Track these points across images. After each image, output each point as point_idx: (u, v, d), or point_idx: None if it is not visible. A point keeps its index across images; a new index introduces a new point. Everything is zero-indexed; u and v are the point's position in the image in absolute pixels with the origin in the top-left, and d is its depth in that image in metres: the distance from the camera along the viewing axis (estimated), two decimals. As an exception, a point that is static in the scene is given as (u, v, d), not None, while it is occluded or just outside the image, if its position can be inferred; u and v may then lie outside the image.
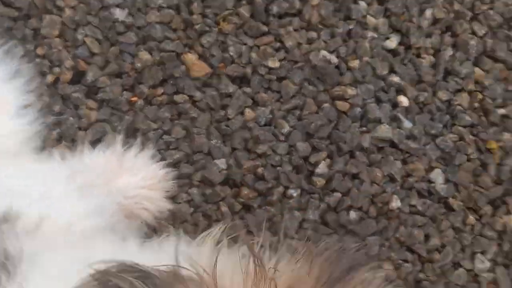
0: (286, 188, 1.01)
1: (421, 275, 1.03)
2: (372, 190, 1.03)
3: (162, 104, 0.98)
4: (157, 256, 0.50)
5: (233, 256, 0.44)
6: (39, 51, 0.99)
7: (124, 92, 1.00)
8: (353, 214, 1.02)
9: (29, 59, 0.96)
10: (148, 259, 0.44)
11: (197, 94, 1.01)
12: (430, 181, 1.06)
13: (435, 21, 1.14)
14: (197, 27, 1.06)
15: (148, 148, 0.91)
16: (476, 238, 1.05)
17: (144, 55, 1.02)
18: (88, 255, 0.50)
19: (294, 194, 1.00)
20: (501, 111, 1.11)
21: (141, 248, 0.66)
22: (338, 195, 1.02)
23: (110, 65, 1.01)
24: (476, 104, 1.11)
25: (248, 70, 1.04)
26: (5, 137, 0.81)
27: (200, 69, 1.03)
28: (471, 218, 1.06)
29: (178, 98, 0.99)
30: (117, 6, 1.04)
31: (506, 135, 1.09)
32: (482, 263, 1.05)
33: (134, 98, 0.99)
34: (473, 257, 1.05)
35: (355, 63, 1.07)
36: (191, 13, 1.07)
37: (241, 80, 1.03)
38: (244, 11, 1.08)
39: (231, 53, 1.06)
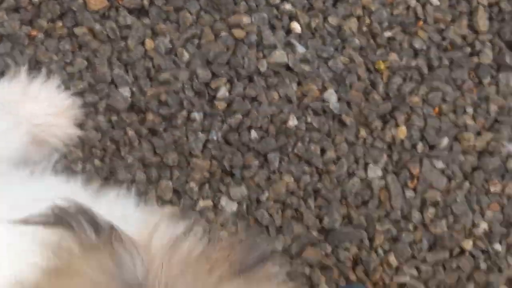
0: (190, 112, 1.25)
1: (319, 185, 1.31)
2: (270, 111, 1.29)
3: (62, 37, 1.19)
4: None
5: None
6: None
7: (23, 26, 1.20)
8: (254, 133, 1.28)
9: None
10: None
11: (97, 27, 1.22)
12: (324, 101, 1.34)
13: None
14: None
15: (52, 78, 1.13)
16: (368, 150, 1.35)
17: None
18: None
19: (197, 117, 1.24)
20: (387, 33, 1.40)
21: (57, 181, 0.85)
22: (239, 116, 1.27)
23: (7, 0, 1.21)
24: (365, 28, 1.40)
25: (146, 2, 1.27)
26: None
27: (97, 2, 1.24)
28: (363, 133, 1.35)
29: (77, 31, 1.20)
30: None
31: (393, 55, 1.38)
32: (374, 172, 1.34)
33: (34, 32, 1.19)
34: (366, 167, 1.34)
35: (250, -7, 1.33)
36: None
37: (139, 12, 1.25)
38: None
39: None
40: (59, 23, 1.15)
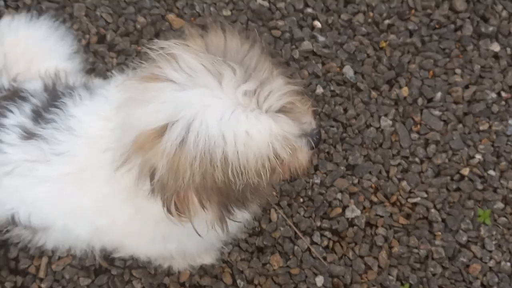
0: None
1: (344, 135, 1.90)
2: (303, 84, 1.92)
3: (157, 47, 1.91)
4: None
5: None
6: (75, 26, 1.93)
7: (132, 45, 1.92)
8: None
9: (70, 32, 1.89)
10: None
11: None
12: (343, 74, 1.95)
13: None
14: None
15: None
16: (380, 106, 1.93)
17: (141, 19, 1.95)
18: None
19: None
20: (387, 21, 2.00)
21: None
22: None
23: (120, 29, 1.94)
24: (369, 20, 2.01)
25: (211, 19, 1.96)
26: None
27: (179, 23, 1.95)
28: (374, 94, 1.93)
29: (166, 42, 1.92)
30: None
31: (392, 36, 1.98)
32: (385, 122, 1.92)
33: (139, 48, 1.91)
34: (379, 119, 1.92)
35: (281, 4, 1.98)
36: None
37: (203, 29, 1.95)
38: None
39: (198, 10, 1.97)
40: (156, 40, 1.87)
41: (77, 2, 1.96)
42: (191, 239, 1.34)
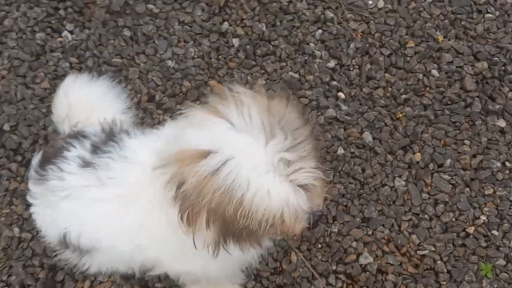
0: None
1: (361, 191, 2.65)
2: (325, 145, 2.71)
3: (199, 106, 2.76)
4: None
5: None
6: (129, 87, 2.80)
7: (177, 105, 2.77)
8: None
9: (124, 91, 2.75)
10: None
11: (219, 101, 2.78)
12: (362, 139, 2.74)
13: (357, 49, 2.93)
14: (214, 65, 2.86)
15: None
16: (394, 168, 2.68)
17: (187, 83, 2.81)
18: None
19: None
20: (403, 96, 2.82)
21: None
22: None
23: (168, 90, 2.80)
24: (388, 94, 2.83)
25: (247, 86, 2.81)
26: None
27: (220, 89, 2.81)
28: (390, 157, 2.69)
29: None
30: (169, 59, 2.87)
31: (407, 108, 2.77)
32: (399, 182, 2.65)
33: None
34: (393, 179, 2.66)
35: (310, 77, 2.83)
36: (210, 58, 2.88)
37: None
38: (241, 55, 2.90)
39: (236, 78, 2.84)
40: (197, 103, 2.73)
41: (132, 66, 2.84)
42: (214, 262, 1.83)
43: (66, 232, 2.02)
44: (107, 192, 1.88)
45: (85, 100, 2.35)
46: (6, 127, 2.70)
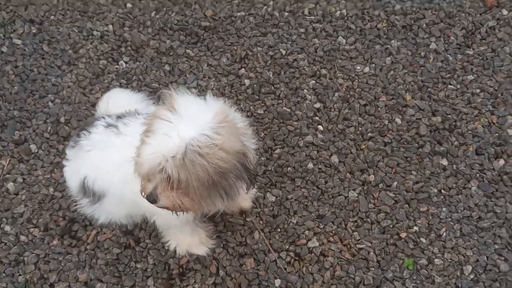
0: (259, 156, 3.46)
1: (321, 197, 3.31)
2: (300, 160, 3.43)
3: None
4: None
5: None
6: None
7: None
8: (291, 169, 3.41)
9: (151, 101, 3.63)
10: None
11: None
12: (330, 160, 3.43)
13: (339, 97, 3.73)
14: (227, 95, 3.71)
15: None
16: (351, 184, 3.32)
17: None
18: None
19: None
20: (369, 134, 3.53)
21: None
22: (286, 163, 3.44)
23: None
24: (358, 132, 3.55)
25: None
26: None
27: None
28: (349, 175, 3.35)
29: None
30: (194, 88, 3.76)
31: (370, 143, 3.48)
32: (352, 194, 3.28)
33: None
34: (348, 191, 3.31)
35: (298, 112, 3.61)
36: (225, 91, 3.74)
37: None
38: (249, 91, 3.74)
39: (241, 107, 3.67)
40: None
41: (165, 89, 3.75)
42: None
43: (85, 178, 2.72)
44: (121, 139, 2.59)
45: (120, 100, 3.19)
46: (62, 119, 3.59)
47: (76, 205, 3.05)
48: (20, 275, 3.04)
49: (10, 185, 3.32)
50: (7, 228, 3.18)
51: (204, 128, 2.11)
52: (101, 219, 2.99)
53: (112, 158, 2.62)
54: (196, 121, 2.12)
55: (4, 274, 3.05)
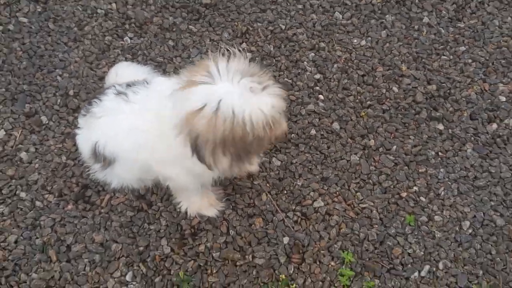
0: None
1: (324, 161, 3.46)
2: (302, 126, 3.57)
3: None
4: None
5: None
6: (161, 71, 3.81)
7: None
8: (294, 136, 3.55)
9: (157, 73, 3.75)
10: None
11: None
12: (331, 126, 3.59)
13: (338, 68, 3.88)
14: None
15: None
16: (352, 148, 3.48)
17: (207, 76, 3.82)
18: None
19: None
20: (368, 103, 3.69)
21: None
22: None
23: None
24: (357, 100, 3.71)
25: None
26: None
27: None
28: (350, 141, 3.51)
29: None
30: (197, 61, 3.89)
31: (370, 110, 3.63)
32: (354, 157, 3.45)
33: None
34: (350, 155, 3.47)
35: (299, 83, 3.72)
36: None
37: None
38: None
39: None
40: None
41: (169, 63, 3.83)
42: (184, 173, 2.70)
43: (96, 143, 2.81)
44: (130, 107, 2.68)
45: (127, 72, 3.28)
46: (71, 92, 3.69)
47: (89, 171, 3.14)
48: (37, 238, 3.13)
49: (23, 155, 3.41)
50: (23, 194, 3.27)
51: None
52: (113, 183, 3.08)
53: (122, 124, 2.73)
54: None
55: (21, 237, 3.14)
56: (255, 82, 2.18)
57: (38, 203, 3.23)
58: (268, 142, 2.41)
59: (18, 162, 3.39)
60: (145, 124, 2.64)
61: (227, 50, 2.28)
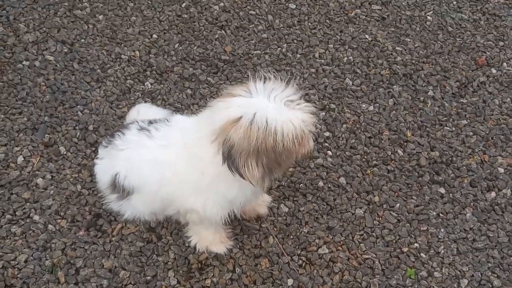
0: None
1: (330, 212, 3.55)
2: (313, 177, 3.68)
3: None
4: None
5: None
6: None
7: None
8: (303, 186, 3.65)
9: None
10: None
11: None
12: (338, 181, 3.70)
13: (347, 129, 4.03)
14: None
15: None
16: (357, 203, 3.59)
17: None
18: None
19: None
20: (374, 162, 3.83)
21: None
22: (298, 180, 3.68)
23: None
24: (363, 159, 3.84)
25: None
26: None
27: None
28: (356, 196, 3.62)
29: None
30: None
31: (375, 169, 3.77)
32: (359, 211, 3.54)
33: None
34: (355, 209, 3.56)
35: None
36: None
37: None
38: None
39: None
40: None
41: (187, 110, 3.97)
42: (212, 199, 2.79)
43: (117, 174, 2.90)
44: (153, 142, 2.81)
45: (149, 112, 3.40)
46: (91, 127, 3.80)
47: (103, 200, 3.21)
48: (47, 259, 3.17)
49: (39, 180, 3.48)
50: (36, 217, 3.32)
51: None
52: (126, 214, 3.13)
53: (146, 158, 2.83)
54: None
55: (32, 257, 3.17)
56: (289, 99, 2.37)
57: (50, 227, 3.28)
58: (295, 157, 2.57)
59: (34, 187, 3.45)
60: (171, 158, 2.76)
61: (264, 75, 2.43)
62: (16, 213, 3.33)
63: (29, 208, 3.35)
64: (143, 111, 3.43)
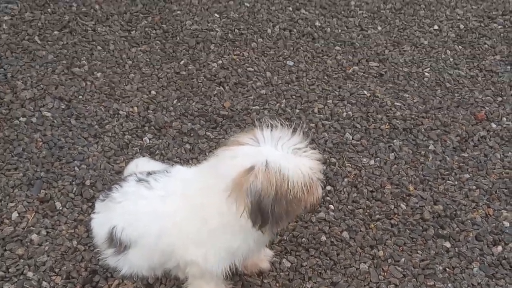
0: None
1: (333, 267, 3.42)
2: (315, 231, 3.57)
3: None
4: None
5: None
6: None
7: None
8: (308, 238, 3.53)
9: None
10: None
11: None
12: (341, 235, 3.59)
13: (348, 182, 3.94)
14: None
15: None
16: (362, 258, 3.47)
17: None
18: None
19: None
20: (377, 216, 3.72)
21: None
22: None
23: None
24: (366, 213, 3.74)
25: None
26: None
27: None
28: (360, 250, 3.51)
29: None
30: None
31: (378, 223, 3.66)
32: (363, 266, 3.42)
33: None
34: (359, 264, 3.44)
35: (311, 192, 3.83)
36: None
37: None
38: None
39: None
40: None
41: (186, 164, 3.92)
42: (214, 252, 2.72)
43: (114, 227, 2.81)
44: (152, 193, 2.76)
45: (147, 166, 3.32)
46: (87, 182, 3.71)
47: (100, 256, 3.10)
48: (40, 317, 3.02)
49: (34, 236, 3.37)
50: (30, 274, 3.20)
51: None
52: (123, 270, 3.01)
53: (144, 209, 2.77)
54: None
55: (24, 316, 3.02)
56: (296, 147, 2.40)
57: (44, 284, 3.16)
58: (304, 205, 2.52)
59: (28, 243, 3.34)
60: (171, 208, 2.70)
61: (271, 123, 2.38)
62: (9, 270, 3.20)
63: (22, 265, 3.23)
64: (141, 164, 3.36)
